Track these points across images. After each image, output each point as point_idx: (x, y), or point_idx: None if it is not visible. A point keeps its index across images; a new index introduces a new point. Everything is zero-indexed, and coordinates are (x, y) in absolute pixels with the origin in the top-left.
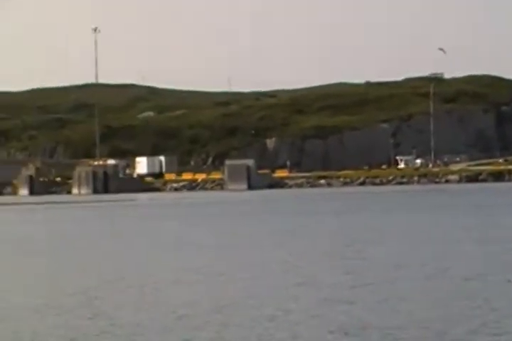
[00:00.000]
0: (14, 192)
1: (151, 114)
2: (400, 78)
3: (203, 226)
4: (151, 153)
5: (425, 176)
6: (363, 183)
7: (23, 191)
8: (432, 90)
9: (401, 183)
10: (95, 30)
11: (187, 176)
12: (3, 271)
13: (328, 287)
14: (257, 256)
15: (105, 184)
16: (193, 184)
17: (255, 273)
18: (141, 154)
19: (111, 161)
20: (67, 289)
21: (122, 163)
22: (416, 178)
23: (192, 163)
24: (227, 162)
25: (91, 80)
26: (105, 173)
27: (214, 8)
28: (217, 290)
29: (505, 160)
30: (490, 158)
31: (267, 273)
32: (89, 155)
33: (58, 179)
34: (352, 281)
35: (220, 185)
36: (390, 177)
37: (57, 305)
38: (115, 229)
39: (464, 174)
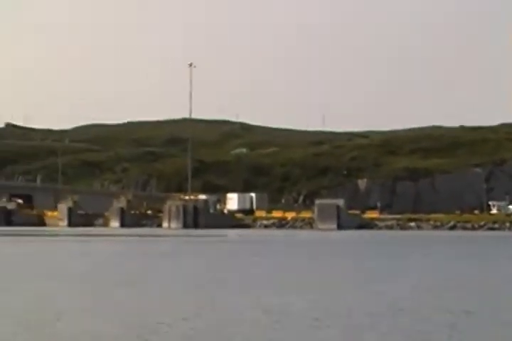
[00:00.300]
0: (106, 224)
1: (243, 150)
2: (494, 123)
3: (290, 264)
4: (243, 189)
5: None
6: (453, 227)
7: (114, 223)
8: None
9: (492, 229)
10: (191, 65)
11: (277, 214)
12: (86, 300)
13: (402, 332)
14: (337, 298)
15: (195, 219)
16: (283, 222)
17: (326, 314)
18: (232, 190)
19: (202, 196)
20: (139, 323)
21: (213, 198)
22: (508, 224)
23: (283, 200)
24: (318, 201)
25: (185, 115)
26: (195, 208)
27: (309, 47)
28: (291, 332)
29: None
30: None
31: (342, 315)
32: (181, 189)
33: (149, 212)
34: (431, 326)
35: (309, 224)
36: (482, 223)
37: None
38: (202, 263)
39: None
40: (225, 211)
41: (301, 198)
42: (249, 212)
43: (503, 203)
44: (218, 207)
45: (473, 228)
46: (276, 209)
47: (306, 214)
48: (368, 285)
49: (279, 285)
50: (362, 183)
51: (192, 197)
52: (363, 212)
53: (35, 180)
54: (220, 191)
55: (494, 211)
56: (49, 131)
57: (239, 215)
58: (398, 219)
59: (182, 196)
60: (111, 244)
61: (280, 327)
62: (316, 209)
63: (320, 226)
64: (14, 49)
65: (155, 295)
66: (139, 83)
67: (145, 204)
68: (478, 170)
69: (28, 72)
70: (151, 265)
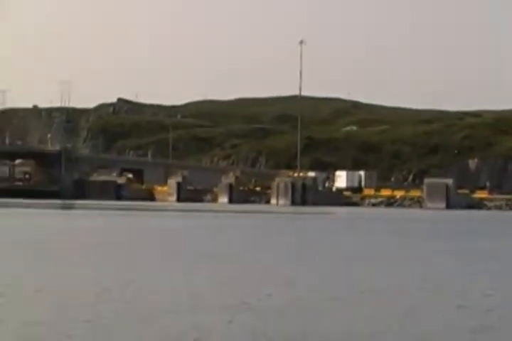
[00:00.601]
0: (214, 200)
1: (354, 128)
2: None
3: (394, 242)
4: (352, 167)
5: None
6: None
7: (223, 199)
8: None
9: None
10: (301, 42)
11: (386, 192)
12: (199, 274)
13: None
14: (442, 277)
15: (303, 196)
16: (391, 200)
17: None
18: (341, 167)
19: (311, 173)
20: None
21: (322, 175)
22: None
23: (392, 179)
24: (427, 180)
25: (295, 92)
26: (304, 185)
27: (421, 24)
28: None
29: None
30: None
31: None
32: (290, 166)
33: (258, 188)
34: None
35: (418, 202)
36: None
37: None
38: (303, 240)
39: None
40: (334, 189)
41: (410, 177)
42: (358, 190)
43: None
44: (327, 184)
45: None
46: (385, 187)
47: (415, 193)
48: (470, 266)
49: (380, 262)
50: (472, 163)
51: (301, 174)
52: (473, 192)
53: (146, 155)
54: (329, 168)
55: None
56: (160, 107)
57: (347, 193)
58: (508, 200)
59: (290, 173)
60: (218, 219)
61: (367, 305)
62: (425, 188)
63: (429, 205)
64: (125, 26)
65: (234, 272)
66: (249, 60)
67: (253, 180)
68: None
69: (139, 48)
70: (247, 241)
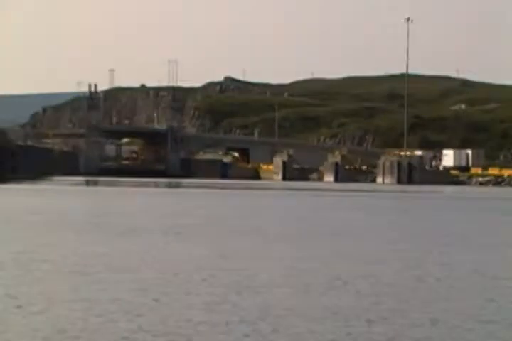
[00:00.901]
0: (320, 179)
1: (462, 106)
2: None
3: (503, 222)
4: (460, 145)
5: None
6: None
7: (328, 178)
8: None
9: None
10: (408, 20)
11: (493, 171)
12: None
13: None
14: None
15: (409, 174)
16: (499, 179)
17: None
18: (449, 146)
19: (418, 152)
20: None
21: (429, 154)
22: None
23: (501, 157)
24: None
25: (403, 70)
26: (409, 164)
27: None
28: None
29: None
30: None
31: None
32: (397, 145)
33: (364, 167)
34: None
35: None
36: None
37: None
38: (410, 219)
39: None
40: (441, 167)
41: None
42: (465, 168)
43: None
44: (434, 163)
45: None
46: (493, 166)
47: None
48: None
49: (489, 242)
50: None
51: (407, 153)
52: None
53: (252, 134)
54: (437, 147)
55: None
56: (267, 85)
57: (454, 172)
58: None
59: (397, 152)
60: (324, 198)
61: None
62: None
63: None
64: (231, 4)
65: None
66: (356, 38)
67: (360, 159)
68: None
69: (245, 27)
70: (344, 221)
